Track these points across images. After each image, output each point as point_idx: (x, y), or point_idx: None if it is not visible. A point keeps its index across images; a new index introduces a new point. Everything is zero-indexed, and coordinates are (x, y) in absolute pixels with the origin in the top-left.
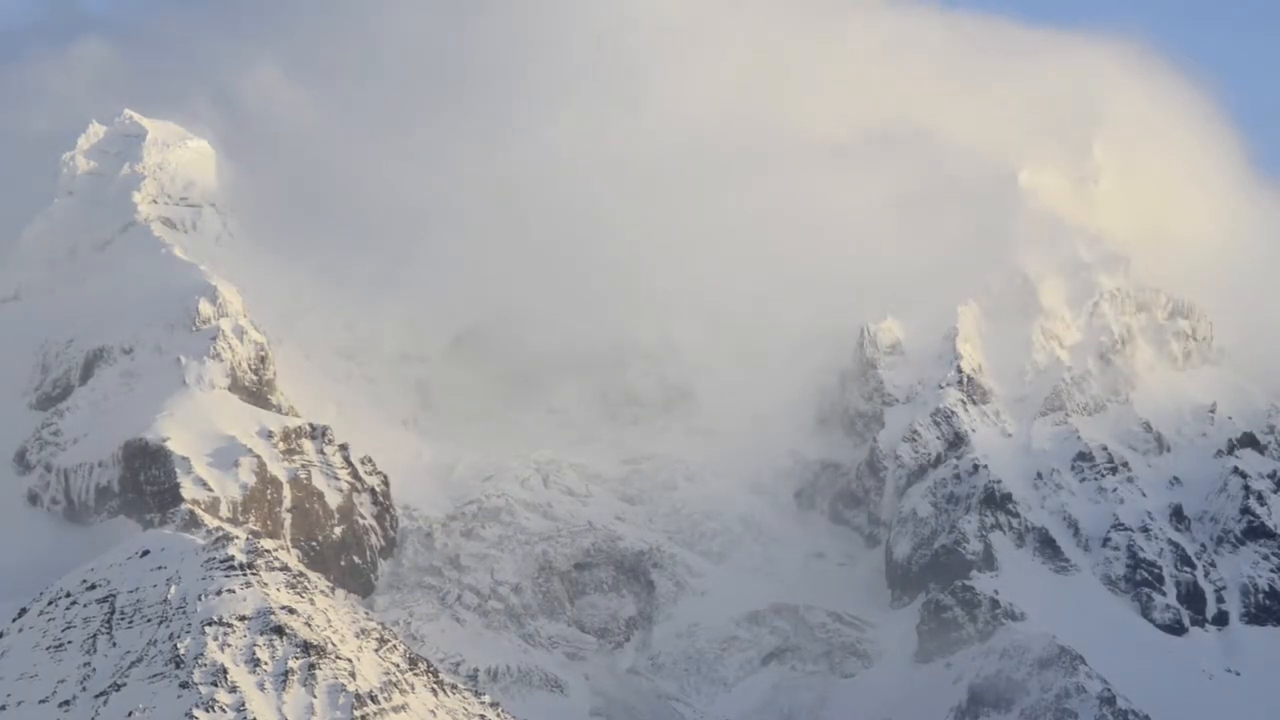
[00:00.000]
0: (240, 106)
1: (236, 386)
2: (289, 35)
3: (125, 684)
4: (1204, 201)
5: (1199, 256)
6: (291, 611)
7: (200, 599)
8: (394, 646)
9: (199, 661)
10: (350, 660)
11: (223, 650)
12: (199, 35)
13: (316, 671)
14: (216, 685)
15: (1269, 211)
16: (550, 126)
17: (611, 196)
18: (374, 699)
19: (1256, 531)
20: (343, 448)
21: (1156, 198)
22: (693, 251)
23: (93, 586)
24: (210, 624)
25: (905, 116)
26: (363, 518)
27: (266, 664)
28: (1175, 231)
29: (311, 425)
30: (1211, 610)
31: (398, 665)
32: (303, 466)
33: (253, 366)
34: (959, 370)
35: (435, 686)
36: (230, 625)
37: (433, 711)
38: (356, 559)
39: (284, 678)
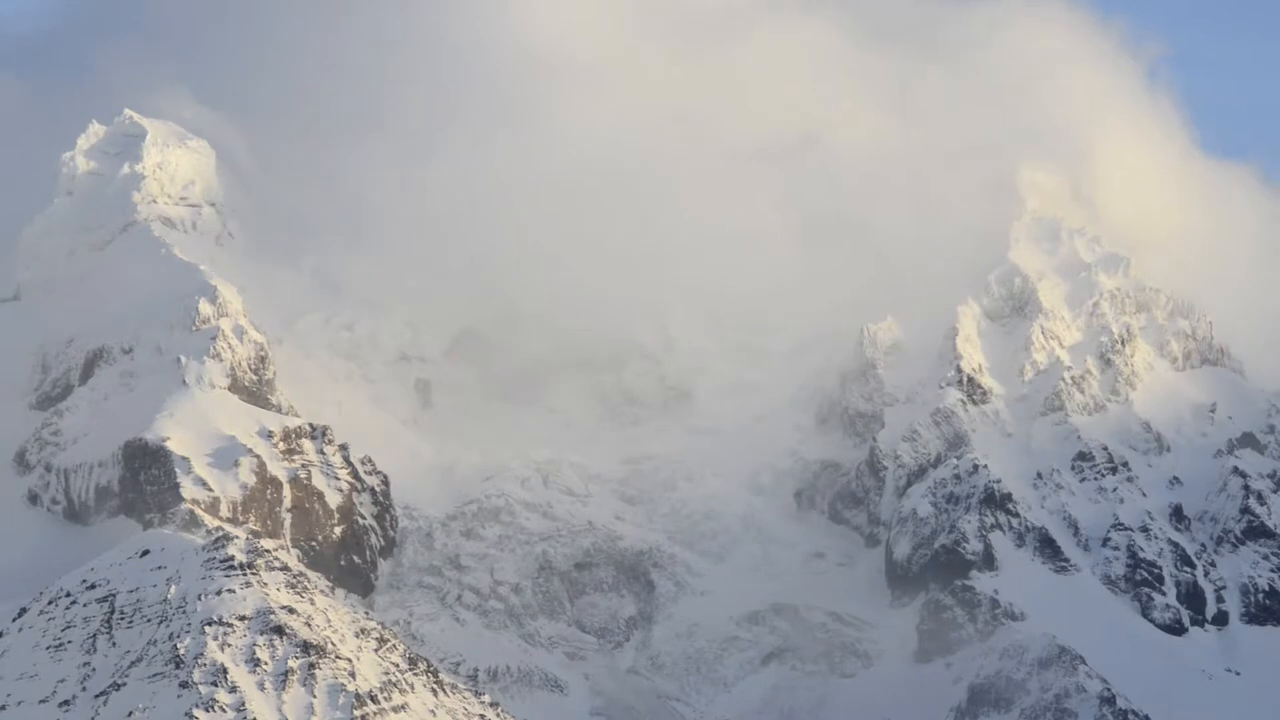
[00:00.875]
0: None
1: (236, 386)
2: (203, 58)
3: (125, 684)
4: (1160, 184)
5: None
6: (291, 611)
7: (200, 599)
8: (394, 646)
9: (199, 661)
10: (350, 660)
11: (223, 650)
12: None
13: (316, 671)
14: (216, 685)
15: (1219, 191)
16: (537, 128)
17: (609, 195)
18: (374, 699)
19: (1256, 531)
20: (343, 448)
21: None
22: (692, 252)
23: (93, 586)
24: (210, 624)
25: (897, 116)
26: (363, 518)
27: (266, 664)
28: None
29: (311, 425)
30: (1211, 610)
31: (397, 665)
32: (303, 466)
33: (253, 366)
34: (959, 370)
35: (435, 686)
36: (230, 625)
37: (433, 711)
38: (356, 559)
39: (284, 677)
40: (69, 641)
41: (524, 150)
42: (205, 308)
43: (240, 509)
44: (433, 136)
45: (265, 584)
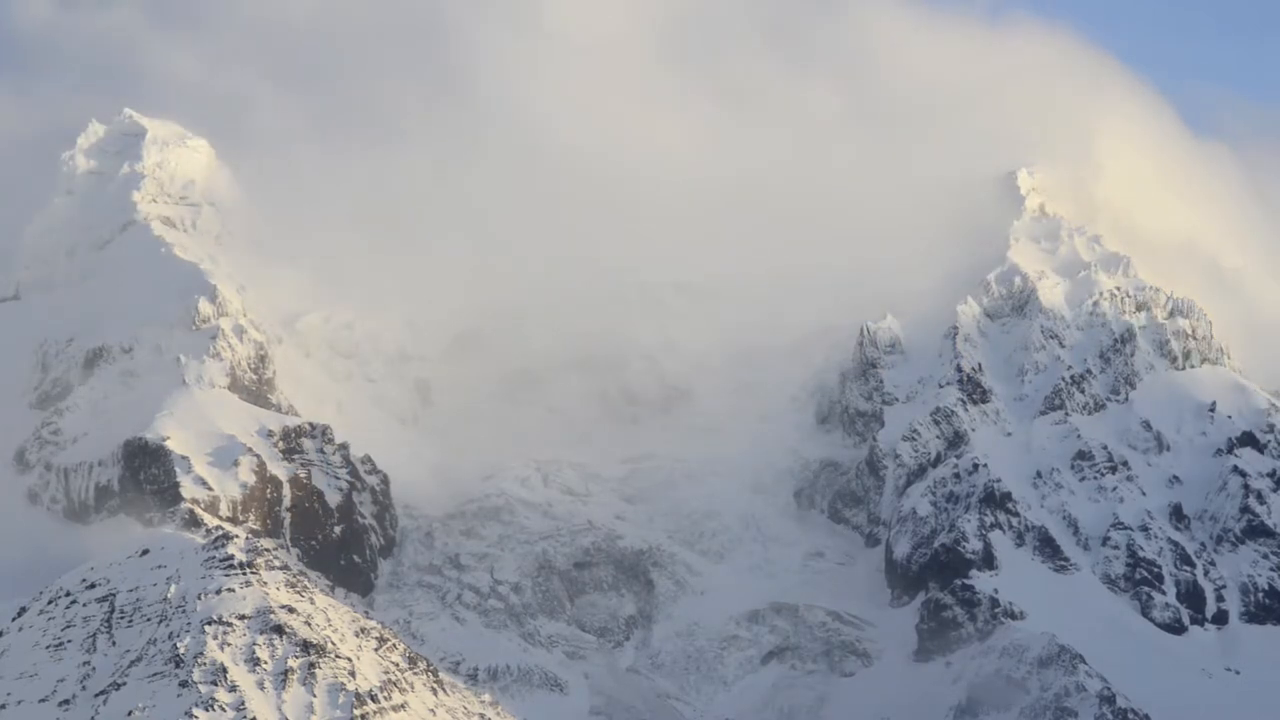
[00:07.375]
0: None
1: (236, 386)
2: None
3: (125, 683)
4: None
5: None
6: (291, 610)
7: (200, 598)
8: (394, 646)
9: (199, 660)
10: (350, 659)
11: (222, 649)
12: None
13: (316, 671)
14: (216, 684)
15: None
16: (540, 121)
17: (608, 193)
18: (374, 698)
19: (1256, 530)
20: (342, 447)
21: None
22: (693, 251)
23: (93, 585)
24: (210, 623)
25: (899, 117)
26: (363, 517)
27: (266, 663)
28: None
29: (311, 425)
30: (1211, 609)
31: (397, 664)
32: (302, 466)
33: (252, 366)
34: (959, 370)
35: (435, 686)
36: (230, 624)
37: (432, 711)
38: (356, 558)
39: (283, 677)
40: (69, 641)
41: (524, 151)
42: (205, 307)
43: (240, 508)
44: (433, 137)
45: (265, 583)
